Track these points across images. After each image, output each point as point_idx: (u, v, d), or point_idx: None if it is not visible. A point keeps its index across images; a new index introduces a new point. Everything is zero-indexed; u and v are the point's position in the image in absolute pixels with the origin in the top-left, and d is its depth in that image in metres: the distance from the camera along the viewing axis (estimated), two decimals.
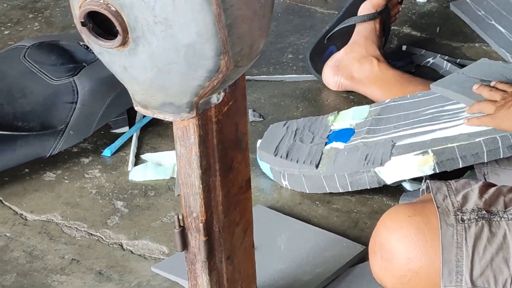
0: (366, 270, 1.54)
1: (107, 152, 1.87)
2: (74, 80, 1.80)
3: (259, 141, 1.86)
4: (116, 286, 1.55)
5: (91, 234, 1.66)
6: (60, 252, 1.62)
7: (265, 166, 1.79)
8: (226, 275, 1.27)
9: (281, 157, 1.74)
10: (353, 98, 2.03)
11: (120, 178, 1.81)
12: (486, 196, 1.32)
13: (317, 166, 1.70)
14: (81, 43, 1.93)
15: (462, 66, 2.10)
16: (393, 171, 1.63)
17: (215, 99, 1.08)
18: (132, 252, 1.62)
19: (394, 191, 1.76)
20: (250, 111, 1.99)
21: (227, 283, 1.28)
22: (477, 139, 1.60)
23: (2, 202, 1.76)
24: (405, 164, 1.62)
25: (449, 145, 1.61)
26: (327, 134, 1.79)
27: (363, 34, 2.04)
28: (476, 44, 2.26)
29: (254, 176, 1.74)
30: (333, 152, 1.72)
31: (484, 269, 1.26)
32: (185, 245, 1.22)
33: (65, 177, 1.82)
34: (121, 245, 1.64)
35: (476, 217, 1.27)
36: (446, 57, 2.14)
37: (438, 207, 1.30)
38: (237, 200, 1.25)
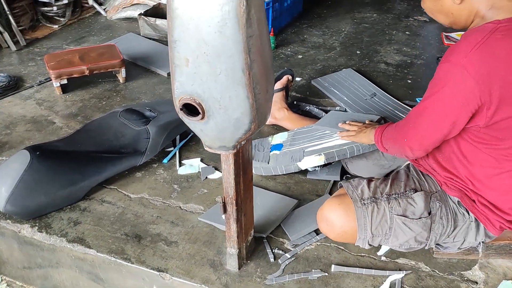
0: (300, 212, 1.58)
1: (165, 160, 1.82)
2: (147, 127, 1.77)
3: None
4: (182, 228, 1.53)
5: (164, 203, 1.63)
6: (150, 213, 1.59)
7: None
8: (243, 223, 1.32)
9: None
10: (277, 128, 2.01)
11: (174, 173, 1.77)
12: (371, 188, 1.36)
13: (268, 162, 1.72)
14: (147, 108, 1.87)
15: (323, 110, 2.11)
16: (305, 163, 1.66)
17: (243, 142, 1.07)
18: (186, 210, 1.60)
19: (303, 172, 1.72)
20: None
21: (244, 227, 1.32)
22: (344, 147, 1.60)
23: (117, 190, 1.68)
24: (311, 160, 1.65)
25: (331, 150, 1.62)
26: (270, 147, 1.80)
27: (279, 97, 2.04)
28: (327, 99, 2.24)
29: None
30: (274, 156, 1.75)
31: (376, 226, 1.32)
32: (225, 210, 1.22)
33: (146, 175, 1.76)
34: (180, 207, 1.62)
35: (370, 201, 1.33)
36: (315, 106, 2.15)
37: (351, 198, 1.35)
38: (248, 187, 1.28)
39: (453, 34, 2.98)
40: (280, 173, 1.71)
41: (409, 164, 1.50)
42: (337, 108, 2.18)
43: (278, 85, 2.11)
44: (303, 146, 1.72)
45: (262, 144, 1.83)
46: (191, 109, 1.00)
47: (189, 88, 0.95)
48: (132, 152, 1.72)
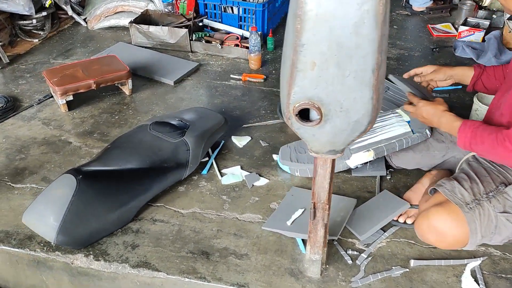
0: (362, 211, 1.56)
1: (204, 171, 1.75)
2: (184, 139, 1.69)
3: (278, 155, 1.80)
4: (247, 239, 1.48)
5: (219, 215, 1.57)
6: (209, 227, 1.52)
7: (285, 167, 1.74)
8: (327, 227, 1.25)
9: (295, 162, 1.71)
10: None
11: (217, 184, 1.70)
12: (468, 190, 1.34)
13: None
14: (177, 118, 1.80)
15: None
16: (354, 161, 1.66)
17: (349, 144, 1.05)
18: (244, 221, 1.55)
19: (347, 170, 1.70)
20: (261, 141, 1.92)
21: (327, 228, 1.26)
22: (392, 141, 1.62)
23: (165, 206, 1.60)
24: (359, 156, 1.65)
25: (380, 145, 1.64)
26: None
27: None
28: None
29: (280, 172, 1.72)
30: None
31: (485, 228, 1.32)
32: (314, 216, 1.19)
33: (190, 188, 1.68)
34: (237, 218, 1.56)
35: (474, 204, 1.32)
36: None
37: (456, 204, 1.33)
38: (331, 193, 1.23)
39: (438, 26, 3.10)
40: None
41: (474, 154, 1.50)
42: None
43: None
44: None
45: (301, 146, 1.80)
46: (302, 115, 0.97)
47: (311, 93, 0.92)
48: (175, 166, 1.64)
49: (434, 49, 2.77)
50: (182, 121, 1.79)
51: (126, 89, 2.29)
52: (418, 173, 1.71)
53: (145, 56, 2.62)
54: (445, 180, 1.40)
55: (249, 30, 2.66)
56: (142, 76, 2.46)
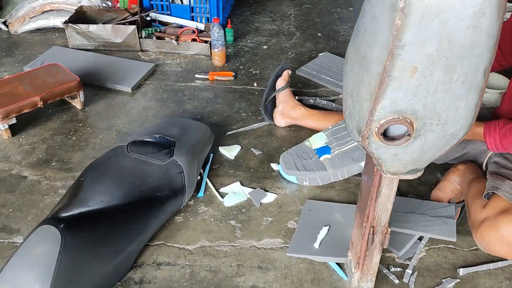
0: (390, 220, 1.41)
1: (200, 194, 1.50)
2: (174, 159, 1.42)
3: (277, 164, 1.62)
4: (275, 271, 1.27)
5: (234, 246, 1.34)
6: (226, 263, 1.29)
7: (291, 177, 1.55)
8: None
9: (302, 170, 1.53)
10: (294, 129, 1.83)
11: (220, 207, 1.47)
12: None
13: (326, 169, 1.53)
14: (157, 135, 1.52)
15: (330, 100, 1.97)
16: None
17: None
18: (265, 248, 1.34)
19: (358, 174, 1.55)
20: (253, 149, 1.71)
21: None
22: None
23: (166, 244, 1.34)
24: None
25: None
26: (314, 152, 1.60)
27: (288, 94, 1.85)
28: (323, 88, 2.10)
29: (285, 184, 1.54)
30: (327, 161, 1.57)
31: None
32: (372, 240, 1.02)
33: (189, 216, 1.43)
34: (256, 247, 1.34)
35: None
36: (317, 98, 1.99)
37: None
38: None
39: None
40: (341, 179, 1.54)
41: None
42: (341, 95, 2.06)
43: (282, 82, 1.90)
44: (356, 144, 1.57)
45: (303, 151, 1.62)
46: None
47: (404, 105, 0.73)
48: (171, 193, 1.38)
49: None
50: (164, 137, 1.53)
51: (78, 102, 1.95)
52: (434, 168, 1.61)
53: (90, 61, 2.27)
54: (497, 181, 1.29)
55: (204, 22, 2.42)
56: (91, 84, 2.12)
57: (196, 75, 2.19)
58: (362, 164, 1.51)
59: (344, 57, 2.52)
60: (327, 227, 1.37)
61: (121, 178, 1.37)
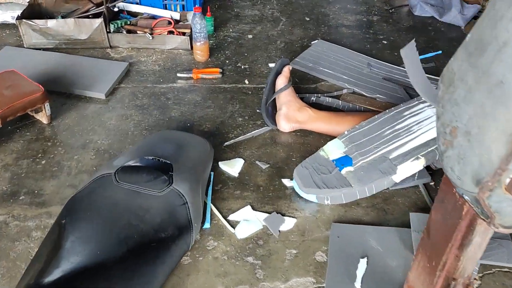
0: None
1: (206, 225, 1.27)
2: (174, 187, 1.18)
3: (290, 180, 1.41)
4: None
5: None
6: None
7: (310, 196, 1.34)
8: None
9: (323, 187, 1.32)
10: (300, 134, 1.61)
11: (231, 239, 1.24)
12: None
13: (351, 186, 1.33)
14: (148, 157, 1.26)
15: (334, 97, 1.77)
16: (401, 174, 1.34)
17: None
18: None
19: None
20: (258, 162, 1.49)
21: None
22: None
23: None
24: (407, 167, 1.34)
25: (430, 149, 1.35)
26: (333, 164, 1.40)
27: (291, 95, 1.63)
28: (322, 82, 1.89)
29: (303, 203, 1.34)
30: (351, 174, 1.36)
31: None
32: None
33: (197, 255, 1.20)
34: None
35: None
36: (320, 95, 1.78)
37: None
38: None
39: None
40: (368, 195, 1.35)
41: None
42: (345, 90, 1.84)
43: (284, 80, 1.67)
44: (382, 153, 1.38)
45: (320, 164, 1.40)
46: None
47: None
48: (176, 232, 1.14)
49: (390, 10, 2.52)
50: (158, 160, 1.29)
51: (43, 116, 1.65)
52: None
53: (52, 63, 1.95)
54: None
55: (179, 10, 2.15)
56: (57, 92, 1.83)
57: (178, 74, 1.93)
58: (393, 177, 1.33)
59: (339, 45, 2.31)
60: (365, 259, 1.17)
61: (113, 218, 1.12)
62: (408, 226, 1.28)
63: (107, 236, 1.07)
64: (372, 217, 1.33)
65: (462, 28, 2.32)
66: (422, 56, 2.07)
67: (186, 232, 1.17)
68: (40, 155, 1.51)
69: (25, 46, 2.07)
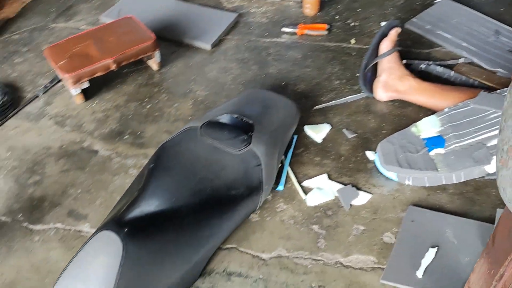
0: None
1: (280, 187, 1.33)
2: (251, 148, 1.24)
3: (373, 153, 1.38)
4: None
5: (315, 260, 1.17)
6: (306, 282, 1.13)
7: (390, 174, 1.31)
8: None
9: (406, 167, 1.28)
10: (398, 105, 1.55)
11: (301, 205, 1.29)
12: None
13: (437, 170, 1.27)
14: (235, 116, 1.33)
15: (447, 66, 1.64)
16: (495, 164, 1.21)
17: None
18: (353, 268, 1.15)
19: None
20: (345, 130, 1.49)
21: None
22: None
23: (238, 249, 1.20)
24: None
25: None
26: (423, 143, 1.33)
27: (394, 61, 1.56)
28: (437, 48, 1.75)
29: (383, 180, 1.32)
30: (440, 157, 1.29)
31: None
32: None
33: (266, 215, 1.27)
34: (342, 264, 1.16)
35: None
36: (431, 62, 1.67)
37: None
38: None
39: None
40: (455, 182, 1.27)
41: None
42: (461, 59, 1.69)
43: (388, 44, 1.58)
44: (480, 138, 1.27)
45: (409, 141, 1.35)
46: None
47: None
48: (247, 192, 1.21)
49: None
50: (242, 119, 1.34)
51: (153, 63, 1.81)
52: None
53: (168, 10, 2.09)
54: None
55: None
56: (168, 39, 1.97)
57: (283, 29, 1.94)
58: (486, 167, 1.23)
59: (467, 6, 2.11)
60: (435, 249, 1.13)
61: (193, 170, 1.22)
62: (493, 222, 1.20)
63: (184, 187, 1.18)
64: (456, 206, 1.26)
65: None
66: None
67: (256, 193, 1.23)
68: (146, 99, 1.68)
69: None
